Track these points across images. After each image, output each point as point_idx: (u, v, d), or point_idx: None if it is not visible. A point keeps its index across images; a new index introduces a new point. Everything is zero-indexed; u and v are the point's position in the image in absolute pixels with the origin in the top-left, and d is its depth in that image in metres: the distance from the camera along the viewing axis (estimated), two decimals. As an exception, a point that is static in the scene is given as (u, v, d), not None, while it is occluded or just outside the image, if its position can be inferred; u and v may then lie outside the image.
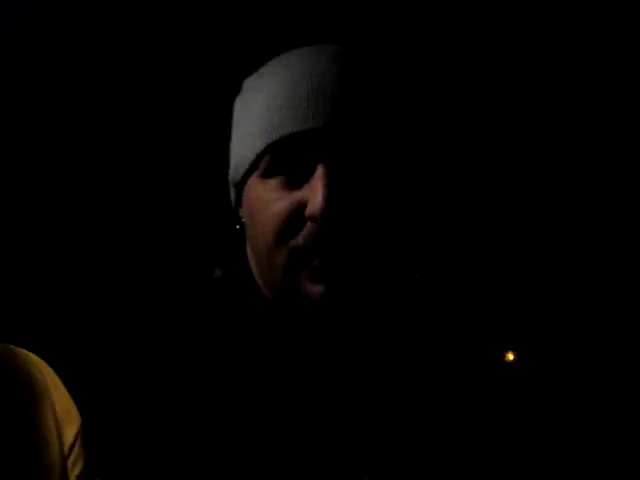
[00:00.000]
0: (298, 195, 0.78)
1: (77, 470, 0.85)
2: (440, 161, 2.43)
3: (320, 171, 0.77)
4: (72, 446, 0.85)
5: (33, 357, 0.88)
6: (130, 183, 2.50)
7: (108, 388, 0.84)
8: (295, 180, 0.79)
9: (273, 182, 0.80)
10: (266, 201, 0.80)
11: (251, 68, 0.92)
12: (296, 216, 0.78)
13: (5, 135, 2.40)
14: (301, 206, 0.78)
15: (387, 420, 0.81)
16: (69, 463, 0.84)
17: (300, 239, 0.78)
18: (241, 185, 0.86)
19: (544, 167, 2.60)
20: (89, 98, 2.39)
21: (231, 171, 0.88)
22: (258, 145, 0.80)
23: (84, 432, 0.87)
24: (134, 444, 0.79)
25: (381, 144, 0.80)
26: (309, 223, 0.78)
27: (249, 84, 0.89)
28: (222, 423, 0.79)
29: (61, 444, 0.86)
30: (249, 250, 0.88)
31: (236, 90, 0.92)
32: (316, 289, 0.78)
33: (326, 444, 0.79)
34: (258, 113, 0.82)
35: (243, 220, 0.88)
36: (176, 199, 2.55)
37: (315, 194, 0.76)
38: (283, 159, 0.79)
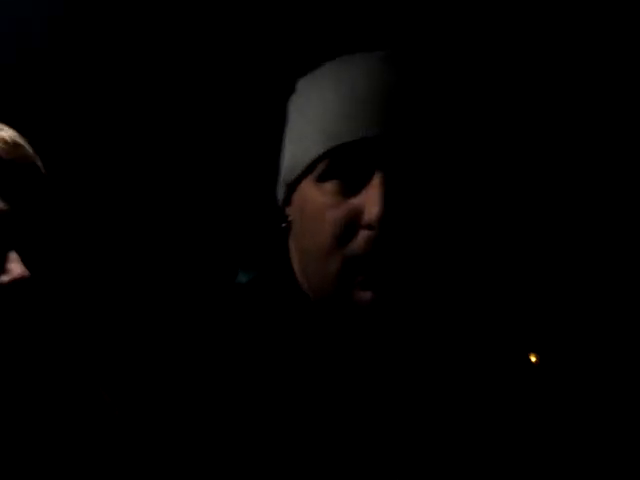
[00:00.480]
0: (354, 202, 0.78)
1: None
2: (488, 168, 2.41)
3: (378, 180, 0.76)
4: None
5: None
6: (159, 183, 2.51)
7: (126, 386, 0.85)
8: (351, 186, 0.78)
9: (329, 186, 0.79)
10: (321, 206, 0.79)
11: (299, 68, 0.92)
12: (351, 223, 0.77)
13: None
14: (357, 213, 0.77)
15: (414, 425, 0.81)
16: None
17: (355, 246, 0.77)
18: (294, 185, 0.85)
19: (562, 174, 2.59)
20: (107, 101, 2.41)
21: (284, 170, 0.87)
22: (316, 149, 0.80)
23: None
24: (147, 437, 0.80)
25: (437, 153, 0.80)
26: (365, 231, 0.77)
27: (304, 85, 0.88)
28: (254, 425, 0.79)
29: None
30: (294, 250, 0.87)
31: (275, 88, 0.91)
32: (367, 296, 0.78)
33: (352, 447, 0.79)
34: (317, 117, 0.81)
35: (290, 219, 0.87)
36: (211, 201, 2.56)
37: (373, 203, 0.75)
38: (341, 165, 0.79)
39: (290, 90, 0.91)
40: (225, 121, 2.51)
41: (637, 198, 2.54)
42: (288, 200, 0.87)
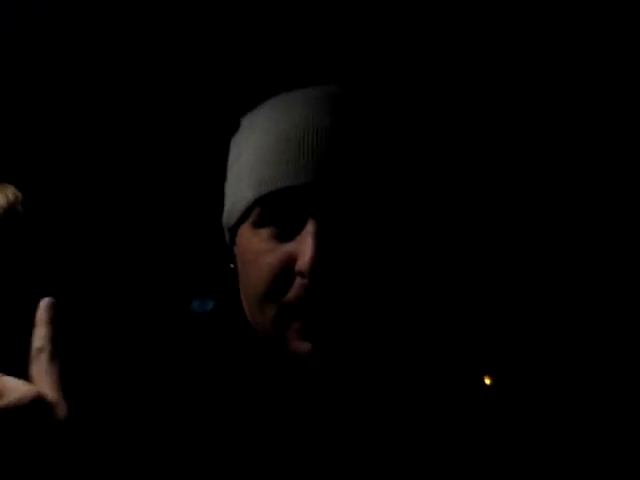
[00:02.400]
0: (289, 248, 0.77)
1: None
2: (431, 215, 2.42)
3: (310, 227, 0.75)
4: None
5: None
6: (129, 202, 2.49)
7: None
8: (286, 232, 0.77)
9: (264, 232, 0.78)
10: (257, 251, 0.78)
11: (253, 99, 0.91)
12: (286, 270, 0.76)
13: (5, 135, 2.37)
14: (291, 260, 0.76)
15: (373, 469, 0.81)
16: None
17: (290, 294, 0.76)
18: (234, 229, 0.84)
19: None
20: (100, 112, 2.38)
21: (224, 215, 0.87)
22: (249, 196, 0.79)
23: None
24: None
25: (372, 201, 0.79)
26: (298, 279, 0.75)
27: (245, 124, 0.87)
28: (203, 453, 0.78)
29: None
30: (241, 291, 0.86)
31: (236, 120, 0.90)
32: (304, 346, 0.76)
33: None
34: (250, 162, 0.80)
35: (236, 261, 0.86)
36: (172, 226, 2.54)
37: (304, 250, 0.74)
38: (274, 211, 0.78)
39: (235, 127, 0.90)
40: (187, 152, 2.51)
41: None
42: (233, 242, 0.86)
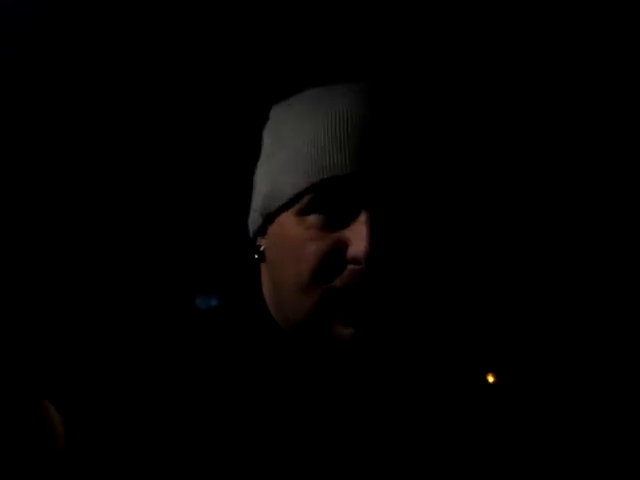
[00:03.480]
0: (337, 236, 0.77)
1: None
2: (473, 199, 2.41)
3: (364, 216, 0.76)
4: None
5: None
6: (133, 199, 2.49)
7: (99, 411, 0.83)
8: (335, 221, 0.77)
9: (311, 220, 0.78)
10: (303, 239, 0.78)
11: (270, 96, 0.90)
12: (334, 257, 0.76)
13: (5, 135, 2.38)
14: (340, 248, 0.76)
15: (392, 459, 0.81)
16: None
17: (338, 281, 0.76)
18: (272, 217, 0.83)
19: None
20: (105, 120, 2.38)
21: (262, 201, 0.84)
22: (301, 182, 0.78)
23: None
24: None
25: (422, 192, 0.80)
26: (349, 266, 0.76)
27: (283, 114, 0.86)
28: (222, 455, 0.78)
29: None
30: (267, 282, 0.86)
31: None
32: (348, 332, 0.77)
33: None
34: (300, 148, 0.80)
35: (262, 249, 0.86)
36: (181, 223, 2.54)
37: (360, 238, 0.75)
38: (325, 199, 0.78)
39: (263, 117, 0.89)
40: (192, 149, 2.50)
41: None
42: (263, 231, 0.85)
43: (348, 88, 0.83)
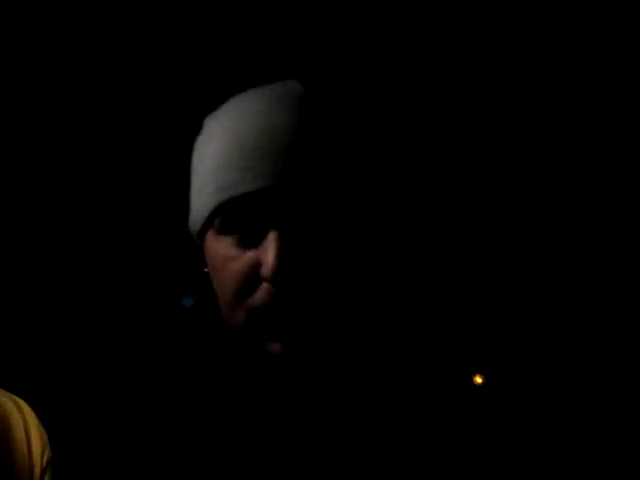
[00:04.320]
0: (253, 254, 0.77)
1: None
2: (393, 214, 2.42)
3: (272, 232, 0.76)
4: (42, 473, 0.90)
5: (14, 401, 0.95)
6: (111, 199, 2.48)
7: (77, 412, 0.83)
8: (249, 239, 0.78)
9: (228, 239, 0.79)
10: (223, 258, 0.79)
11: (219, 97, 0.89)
12: (252, 276, 0.77)
13: (4, 135, 2.37)
14: (256, 266, 0.77)
15: (359, 462, 0.80)
16: None
17: (256, 299, 0.77)
18: (201, 235, 0.84)
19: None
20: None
21: (190, 221, 0.86)
22: (210, 204, 0.79)
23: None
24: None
25: (332, 203, 0.79)
26: (264, 284, 0.76)
27: (206, 127, 0.86)
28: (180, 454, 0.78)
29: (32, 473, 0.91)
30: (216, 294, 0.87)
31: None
32: (275, 347, 0.78)
33: None
34: (210, 168, 0.80)
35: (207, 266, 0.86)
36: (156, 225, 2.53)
37: (267, 257, 0.75)
38: (235, 218, 0.78)
39: (198, 129, 0.88)
40: (175, 147, 2.49)
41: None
42: (201, 247, 0.86)
43: (262, 95, 0.82)
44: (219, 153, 0.79)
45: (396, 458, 0.81)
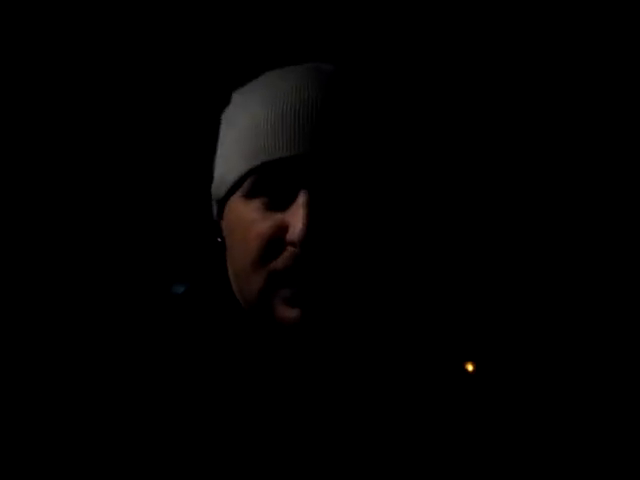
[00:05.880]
0: (280, 218, 0.78)
1: None
2: (422, 192, 2.43)
3: (302, 198, 0.76)
4: None
5: None
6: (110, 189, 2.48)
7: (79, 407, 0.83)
8: (278, 202, 0.78)
9: (256, 202, 0.79)
10: (248, 221, 0.79)
11: (242, 77, 0.91)
12: (277, 239, 0.77)
13: (4, 135, 2.36)
14: (282, 229, 0.77)
15: (362, 441, 0.81)
16: None
17: (279, 262, 0.77)
18: (223, 201, 0.85)
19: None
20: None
21: (214, 186, 0.87)
22: (242, 167, 0.80)
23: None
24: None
25: (365, 173, 0.80)
26: (289, 247, 0.77)
27: (236, 99, 0.88)
28: (193, 439, 0.78)
29: None
30: (229, 265, 0.87)
31: (223, 100, 0.90)
32: (290, 313, 0.78)
33: (299, 466, 0.78)
34: (243, 133, 0.81)
35: (223, 234, 0.87)
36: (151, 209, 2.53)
37: (296, 220, 0.76)
38: (266, 182, 0.79)
39: (226, 102, 0.90)
40: (162, 132, 2.49)
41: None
42: (220, 215, 0.87)
43: (300, 70, 0.84)
44: (256, 120, 0.80)
45: (395, 446, 0.82)
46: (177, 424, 0.79)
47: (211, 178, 0.88)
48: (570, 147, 2.58)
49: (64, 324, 2.19)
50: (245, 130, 0.81)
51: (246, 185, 0.80)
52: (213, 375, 0.82)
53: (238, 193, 0.81)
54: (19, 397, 0.86)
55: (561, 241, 2.65)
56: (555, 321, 2.60)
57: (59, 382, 0.84)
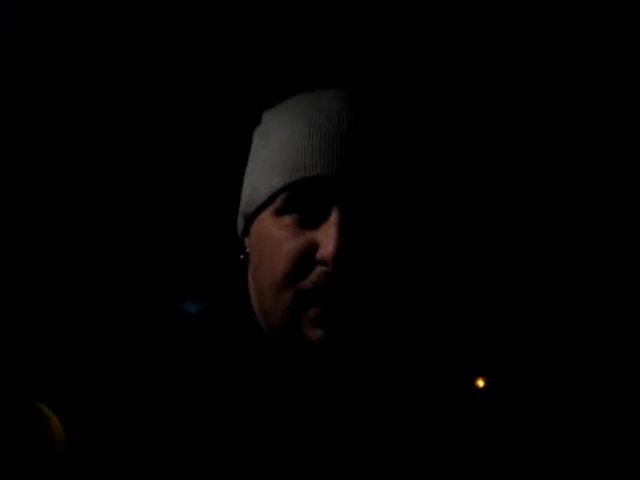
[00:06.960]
0: (311, 236, 0.78)
1: None
2: (451, 212, 2.42)
3: (335, 216, 0.76)
4: None
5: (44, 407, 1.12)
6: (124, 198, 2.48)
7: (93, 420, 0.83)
8: (309, 220, 0.78)
9: (286, 219, 0.79)
10: (278, 238, 0.79)
11: (266, 100, 0.92)
12: (306, 257, 0.77)
13: (3, 135, 2.37)
14: (312, 247, 0.77)
15: (380, 459, 0.80)
16: None
17: (308, 281, 0.77)
18: (252, 217, 0.84)
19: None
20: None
21: (243, 202, 0.86)
22: (276, 182, 0.80)
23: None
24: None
25: (396, 196, 0.80)
26: (319, 266, 0.76)
27: (270, 117, 0.87)
28: (214, 459, 0.77)
29: None
30: (251, 283, 0.86)
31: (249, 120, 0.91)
32: (317, 334, 0.77)
33: None
34: (279, 149, 0.81)
35: (248, 251, 0.87)
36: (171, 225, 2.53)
37: (329, 239, 0.75)
38: (300, 199, 0.79)
39: (256, 121, 0.91)
40: (184, 150, 2.50)
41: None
42: (247, 232, 0.87)
43: (334, 92, 0.84)
44: (293, 137, 0.80)
45: (403, 455, 0.82)
46: (185, 440, 0.78)
47: (237, 194, 0.89)
48: (585, 155, 2.57)
49: (65, 347, 2.20)
50: (279, 148, 0.81)
51: (278, 201, 0.79)
52: (229, 404, 0.80)
53: (269, 209, 0.81)
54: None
55: (582, 255, 2.64)
56: (569, 338, 2.59)
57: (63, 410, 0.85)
